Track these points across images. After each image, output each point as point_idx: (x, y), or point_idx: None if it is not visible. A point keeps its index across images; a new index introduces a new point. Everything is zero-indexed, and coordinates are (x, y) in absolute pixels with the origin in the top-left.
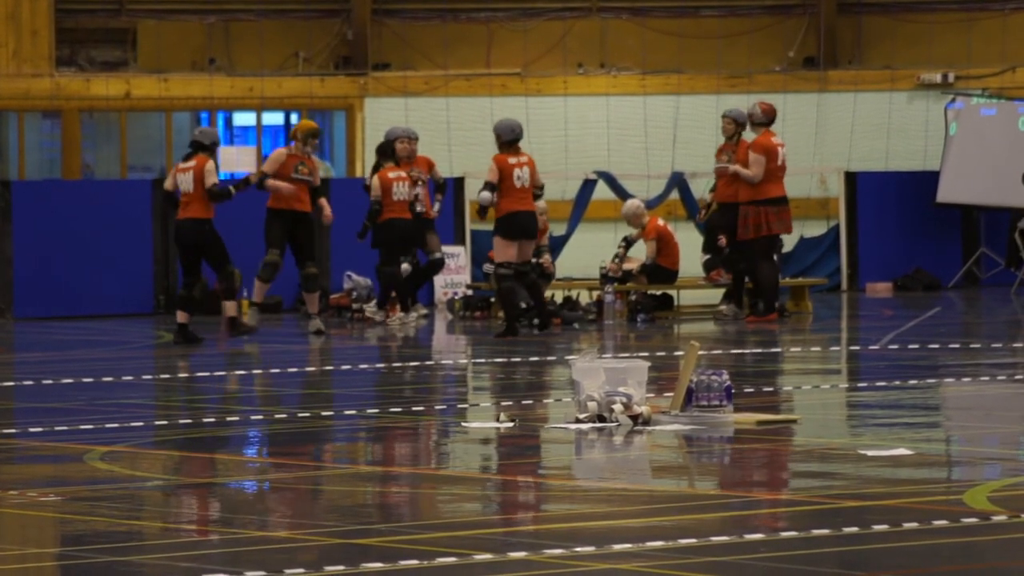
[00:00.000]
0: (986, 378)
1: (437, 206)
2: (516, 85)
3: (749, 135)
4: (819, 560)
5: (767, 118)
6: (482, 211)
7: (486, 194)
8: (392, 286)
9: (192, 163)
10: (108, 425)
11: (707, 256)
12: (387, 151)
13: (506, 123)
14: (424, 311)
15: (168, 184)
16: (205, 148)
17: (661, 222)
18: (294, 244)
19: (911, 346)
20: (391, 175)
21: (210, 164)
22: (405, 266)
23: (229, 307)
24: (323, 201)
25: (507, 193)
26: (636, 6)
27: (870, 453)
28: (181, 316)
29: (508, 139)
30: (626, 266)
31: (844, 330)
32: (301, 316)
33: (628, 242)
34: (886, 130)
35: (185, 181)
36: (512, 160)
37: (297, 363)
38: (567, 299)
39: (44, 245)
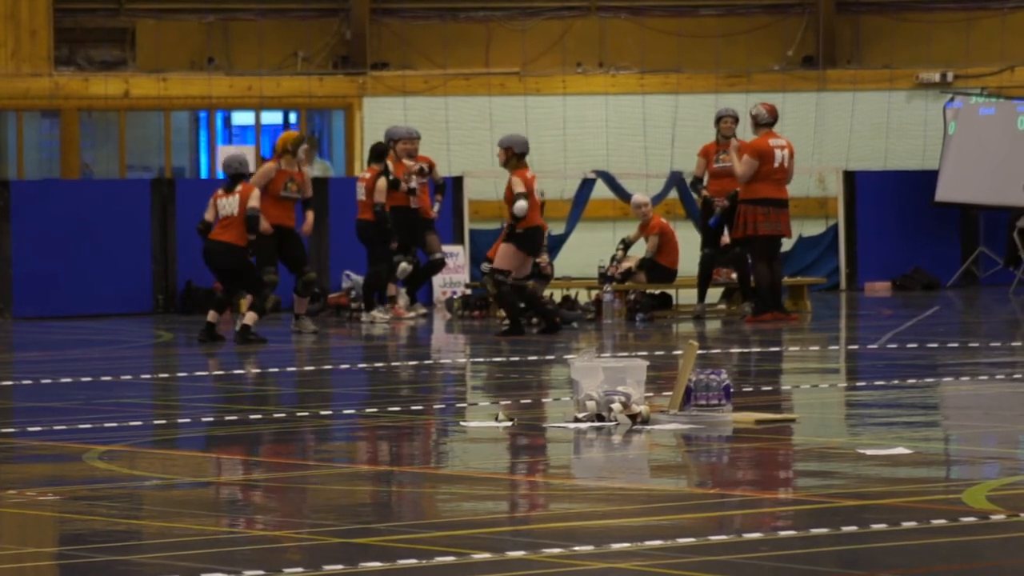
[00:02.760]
0: (984, 377)
1: (436, 207)
2: (515, 84)
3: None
4: (818, 559)
5: (772, 118)
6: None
7: (523, 203)
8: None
9: (239, 188)
10: (107, 424)
11: (707, 251)
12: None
13: (517, 137)
14: (423, 310)
15: (208, 215)
16: (246, 176)
17: (664, 220)
18: (284, 257)
19: (910, 345)
20: None
21: (256, 192)
22: (404, 266)
23: (249, 316)
24: (309, 214)
25: (532, 207)
26: (635, 5)
27: (869, 452)
28: (211, 315)
29: (523, 151)
30: (625, 264)
31: (843, 329)
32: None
33: (626, 244)
34: (885, 129)
35: (229, 204)
36: (529, 174)
37: (295, 363)
38: (565, 298)
39: (43, 245)
